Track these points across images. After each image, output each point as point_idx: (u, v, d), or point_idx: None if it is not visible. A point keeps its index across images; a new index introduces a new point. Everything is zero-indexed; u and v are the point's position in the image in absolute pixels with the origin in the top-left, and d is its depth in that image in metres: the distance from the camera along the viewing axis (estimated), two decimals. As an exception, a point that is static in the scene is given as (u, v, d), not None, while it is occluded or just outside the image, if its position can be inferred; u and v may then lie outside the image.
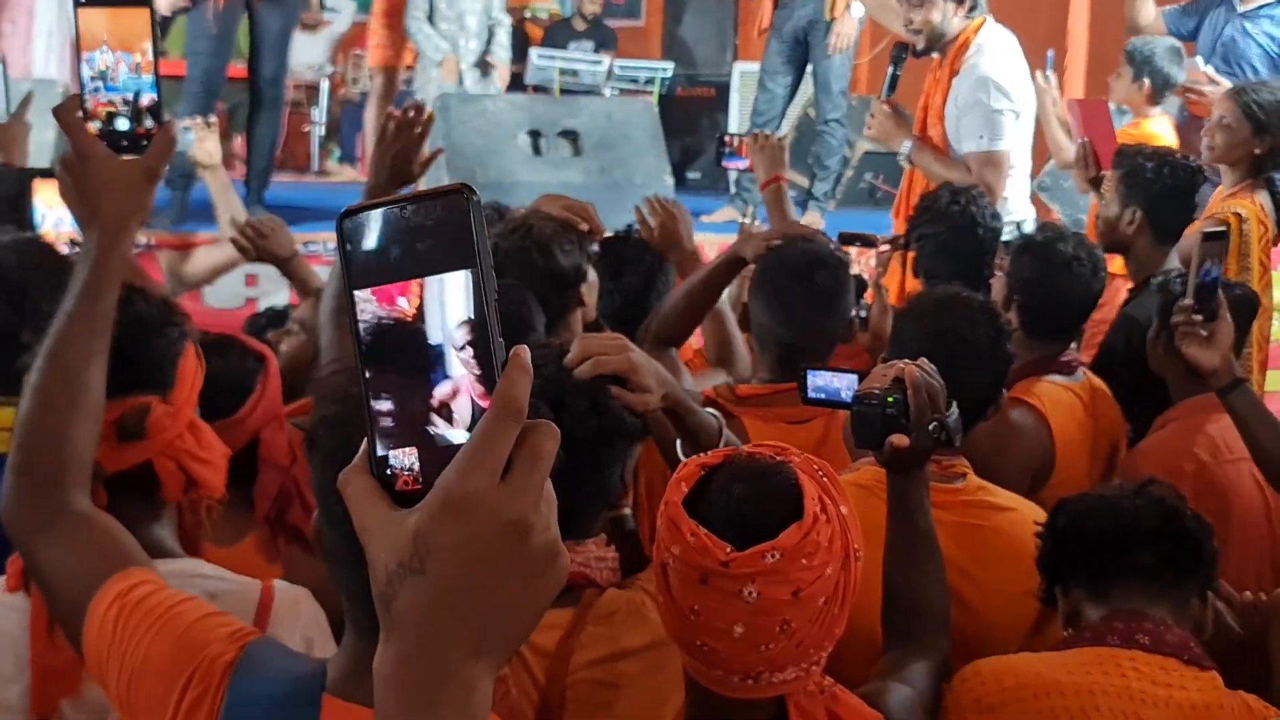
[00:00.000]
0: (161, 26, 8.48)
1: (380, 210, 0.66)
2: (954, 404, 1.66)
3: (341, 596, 1.18)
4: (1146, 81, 4.55)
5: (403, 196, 0.67)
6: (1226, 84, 4.05)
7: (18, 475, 1.36)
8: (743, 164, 3.45)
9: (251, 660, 1.17)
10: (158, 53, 1.38)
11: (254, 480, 1.98)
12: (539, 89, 7.44)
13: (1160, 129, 4.48)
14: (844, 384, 1.73)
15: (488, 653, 0.66)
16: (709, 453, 1.33)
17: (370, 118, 5.83)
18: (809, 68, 5.74)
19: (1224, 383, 2.24)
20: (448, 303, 0.66)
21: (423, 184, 2.57)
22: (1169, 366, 2.40)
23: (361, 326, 0.67)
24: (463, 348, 0.66)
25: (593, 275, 2.54)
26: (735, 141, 3.51)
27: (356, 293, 0.67)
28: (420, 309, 0.66)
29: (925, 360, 1.67)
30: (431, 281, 0.66)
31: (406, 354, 0.67)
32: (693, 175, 7.85)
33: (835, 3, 5.51)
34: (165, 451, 1.59)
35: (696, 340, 2.90)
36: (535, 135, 5.10)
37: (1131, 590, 1.64)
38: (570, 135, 5.13)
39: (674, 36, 8.33)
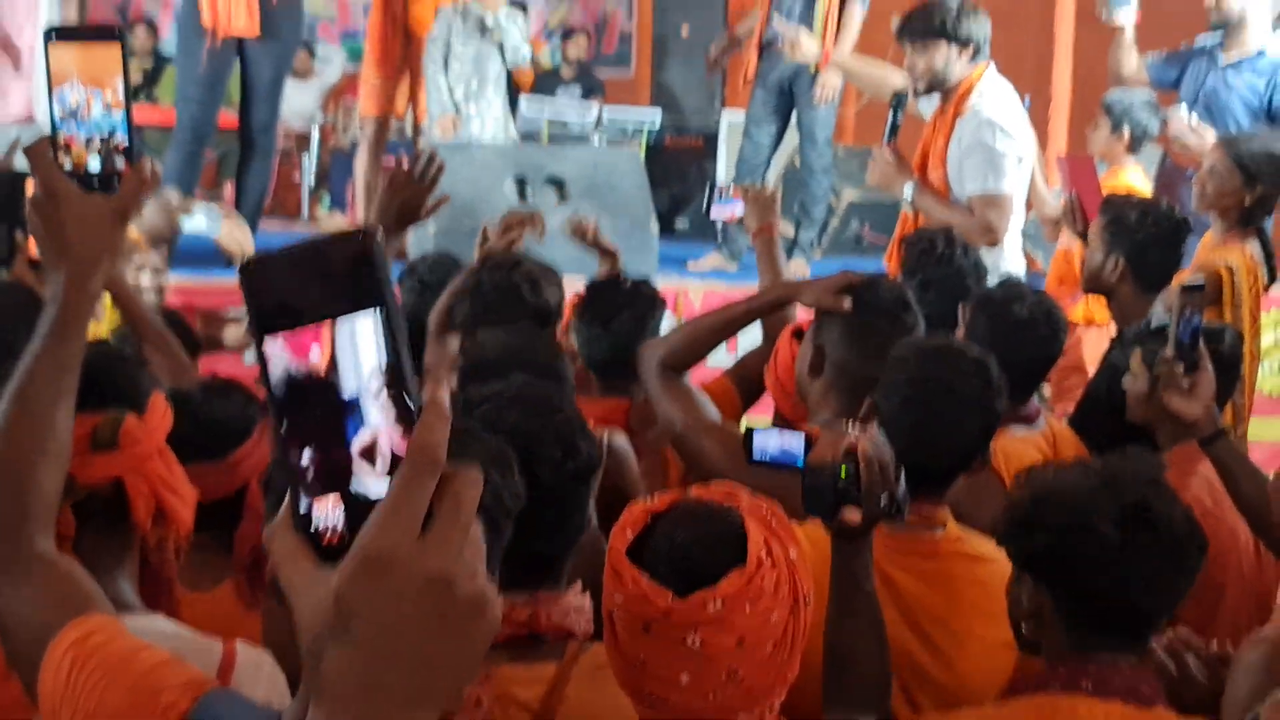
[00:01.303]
0: (154, 74, 8.56)
1: (283, 257, 0.66)
2: (903, 474, 1.65)
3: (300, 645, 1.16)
4: (1126, 132, 4.61)
5: (303, 243, 0.66)
6: (1211, 134, 4.09)
7: None
8: (734, 209, 3.41)
9: (206, 711, 1.14)
10: (129, 91, 1.37)
11: (237, 526, 1.97)
12: (527, 137, 7.48)
13: (1135, 179, 4.53)
14: (791, 445, 1.70)
15: (423, 704, 0.65)
16: (656, 497, 1.32)
17: (361, 165, 5.82)
18: (794, 117, 5.78)
19: (1206, 433, 2.24)
20: (360, 348, 0.65)
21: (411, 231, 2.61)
22: (1156, 415, 2.39)
23: (273, 377, 0.65)
24: (379, 392, 0.65)
25: None
26: (727, 190, 3.50)
27: (267, 341, 0.65)
28: (333, 355, 0.65)
29: (875, 429, 1.67)
30: (341, 327, 0.65)
31: (321, 402, 0.65)
32: (681, 224, 7.88)
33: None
34: (137, 470, 1.58)
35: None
36: (521, 182, 5.11)
37: (1107, 633, 1.59)
38: (557, 182, 5.14)
39: (662, 87, 8.40)
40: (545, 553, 1.51)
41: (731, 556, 1.21)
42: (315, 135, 8.85)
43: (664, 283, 4.34)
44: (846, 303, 2.20)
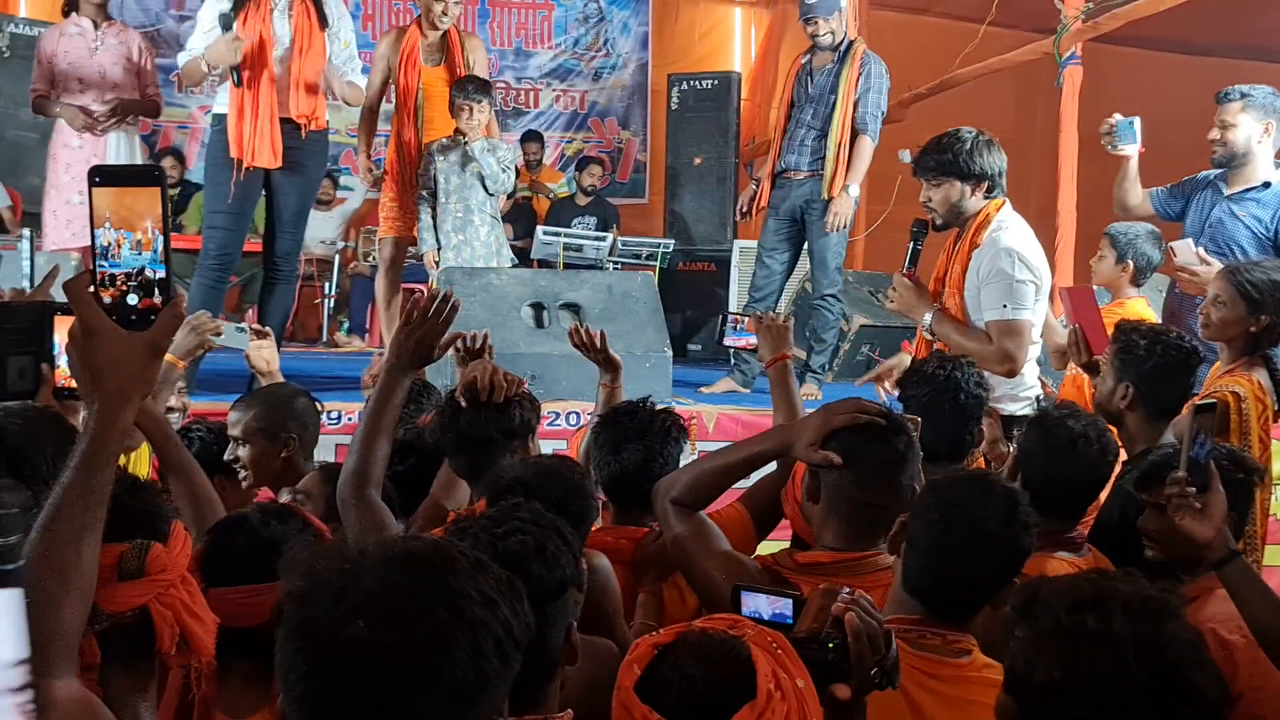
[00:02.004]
0: (181, 202, 8.75)
1: None
2: (893, 641, 1.61)
3: None
4: (1130, 263, 4.67)
5: None
6: (1216, 264, 4.13)
7: None
8: (749, 339, 3.46)
9: None
10: (168, 230, 1.43)
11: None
12: (543, 263, 7.61)
13: (1141, 310, 4.57)
14: (781, 609, 1.67)
15: None
16: (662, 630, 1.32)
17: (380, 285, 5.93)
18: (806, 244, 5.87)
19: (1219, 555, 2.20)
20: None
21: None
22: (1175, 551, 2.36)
23: None
24: (13, 694, 0.53)
25: None
26: (741, 320, 3.55)
27: None
28: None
29: (863, 594, 1.62)
30: None
31: None
32: (694, 347, 7.97)
33: (832, 183, 5.68)
34: (161, 599, 1.60)
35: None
36: (538, 308, 5.18)
37: None
38: (572, 308, 5.21)
39: (675, 214, 8.56)
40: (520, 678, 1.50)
41: (741, 690, 1.21)
42: (336, 261, 9.02)
43: (678, 407, 4.39)
44: (835, 459, 2.17)
